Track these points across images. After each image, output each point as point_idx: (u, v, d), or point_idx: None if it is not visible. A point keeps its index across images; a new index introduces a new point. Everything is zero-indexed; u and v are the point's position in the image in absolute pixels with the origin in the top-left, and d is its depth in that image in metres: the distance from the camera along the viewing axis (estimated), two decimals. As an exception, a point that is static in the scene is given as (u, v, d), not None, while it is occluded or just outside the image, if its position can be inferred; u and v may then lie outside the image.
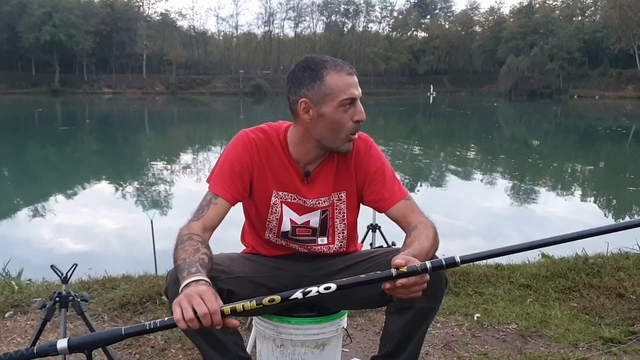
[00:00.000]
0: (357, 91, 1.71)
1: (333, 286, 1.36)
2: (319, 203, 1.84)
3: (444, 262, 1.38)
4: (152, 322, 1.33)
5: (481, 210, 9.02)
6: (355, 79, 1.72)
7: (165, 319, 1.36)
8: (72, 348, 1.30)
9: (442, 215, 7.81)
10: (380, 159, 1.85)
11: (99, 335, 1.34)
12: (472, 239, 6.97)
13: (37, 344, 2.10)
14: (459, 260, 1.37)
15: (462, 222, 7.98)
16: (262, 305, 1.34)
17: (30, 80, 71.23)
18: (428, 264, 1.38)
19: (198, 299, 1.34)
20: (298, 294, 1.36)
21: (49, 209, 8.84)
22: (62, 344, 1.29)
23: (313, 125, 1.73)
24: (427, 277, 1.42)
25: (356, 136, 1.76)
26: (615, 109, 43.76)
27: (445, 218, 7.74)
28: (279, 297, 1.35)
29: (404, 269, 1.38)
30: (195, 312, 1.32)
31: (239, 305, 1.34)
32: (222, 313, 1.33)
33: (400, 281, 1.38)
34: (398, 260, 1.39)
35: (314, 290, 1.36)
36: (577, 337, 2.79)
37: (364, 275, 1.40)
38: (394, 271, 1.38)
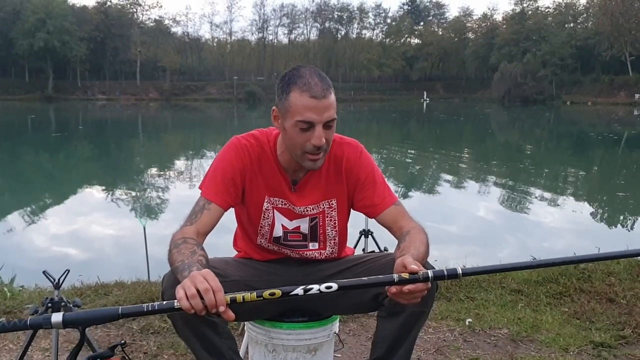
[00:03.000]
0: (318, 116, 1.64)
1: (334, 286, 1.37)
2: (307, 210, 1.86)
3: (445, 273, 1.41)
4: (150, 304, 1.33)
5: (474, 216, 9.05)
6: (323, 102, 1.63)
7: (164, 302, 1.35)
8: (66, 323, 1.28)
9: (435, 220, 7.84)
10: (370, 165, 1.87)
11: (95, 313, 1.32)
12: (464, 243, 6.99)
13: (29, 350, 2.10)
14: (460, 272, 1.40)
15: (455, 227, 8.00)
16: (262, 298, 1.34)
17: (24, 86, 71.02)
18: (430, 273, 1.41)
19: (200, 277, 1.35)
20: (299, 290, 1.37)
21: (42, 216, 8.81)
22: (56, 317, 1.27)
23: (281, 134, 1.76)
24: (429, 284, 1.45)
25: (317, 157, 1.71)
26: (608, 115, 44.02)
27: (438, 223, 7.77)
28: (280, 291, 1.36)
29: (406, 276, 1.40)
30: (198, 291, 1.32)
31: (239, 296, 1.35)
32: None
33: (408, 287, 1.40)
34: (414, 265, 1.42)
35: (315, 288, 1.37)
36: (568, 342, 2.81)
37: (365, 278, 1.43)
38: (396, 276, 1.41)
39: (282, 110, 1.70)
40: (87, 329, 1.38)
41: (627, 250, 1.58)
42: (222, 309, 1.33)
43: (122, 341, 1.49)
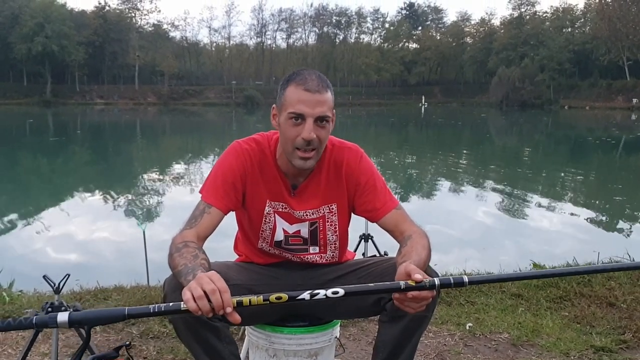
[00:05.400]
0: (309, 109, 1.66)
1: (341, 291, 1.37)
2: (307, 215, 1.86)
3: (452, 281, 1.41)
4: (156, 305, 1.32)
5: (473, 220, 9.04)
6: (316, 97, 1.66)
7: (171, 304, 1.35)
8: (72, 322, 1.28)
9: (434, 224, 7.84)
10: (370, 169, 1.87)
11: (101, 313, 1.31)
12: (464, 247, 6.98)
13: (28, 355, 2.09)
14: (467, 280, 1.41)
15: (454, 231, 7.99)
16: (268, 302, 1.34)
17: (22, 91, 70.98)
18: (437, 280, 1.41)
19: (207, 279, 1.36)
20: (305, 295, 1.37)
21: (40, 220, 8.78)
22: (62, 317, 1.27)
23: (279, 133, 1.78)
24: (435, 292, 1.45)
25: (307, 155, 1.71)
26: (606, 119, 44.09)
27: (437, 227, 7.76)
28: (287, 296, 1.36)
29: (413, 283, 1.40)
30: (205, 292, 1.32)
31: (245, 299, 1.35)
32: None
33: (412, 293, 1.40)
34: (418, 275, 1.41)
35: (321, 293, 1.37)
36: (568, 346, 2.81)
37: (372, 285, 1.43)
38: (402, 283, 1.40)
39: (279, 106, 1.74)
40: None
41: (633, 262, 1.60)
42: (229, 310, 1.33)
43: (127, 342, 1.48)
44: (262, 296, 1.35)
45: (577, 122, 42.98)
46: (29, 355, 2.12)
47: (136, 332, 2.90)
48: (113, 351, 1.40)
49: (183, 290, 1.36)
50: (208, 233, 1.73)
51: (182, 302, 1.33)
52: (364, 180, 1.84)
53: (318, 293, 1.37)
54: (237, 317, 1.35)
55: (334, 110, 1.78)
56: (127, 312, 1.30)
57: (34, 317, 1.26)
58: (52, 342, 2.12)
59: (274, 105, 1.77)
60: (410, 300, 1.43)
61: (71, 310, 2.10)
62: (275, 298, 1.35)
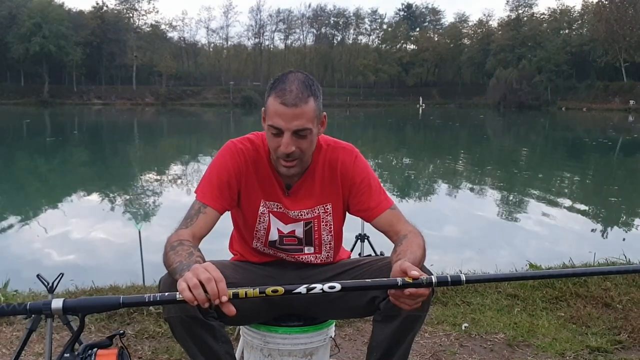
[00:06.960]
0: (285, 123, 1.65)
1: (337, 286, 1.37)
2: (301, 215, 1.85)
3: (449, 279, 1.41)
4: (152, 294, 1.32)
5: (470, 221, 9.05)
6: (293, 111, 1.64)
7: (166, 293, 1.35)
8: (66, 309, 1.28)
9: (431, 226, 7.83)
10: (365, 169, 1.87)
11: (96, 300, 1.31)
12: (461, 249, 6.98)
13: (22, 354, 2.08)
14: (464, 279, 1.40)
15: (451, 232, 8.00)
16: (264, 294, 1.34)
17: (19, 91, 70.88)
18: (434, 278, 1.40)
19: (202, 268, 1.36)
20: (302, 289, 1.37)
21: (37, 220, 8.77)
22: (56, 303, 1.27)
23: None
24: (430, 289, 1.45)
25: (289, 164, 1.72)
26: (603, 121, 44.17)
27: (434, 229, 7.76)
28: (283, 289, 1.36)
29: (410, 280, 1.40)
30: (200, 282, 1.32)
31: (241, 291, 1.35)
32: None
33: (409, 290, 1.40)
34: (415, 272, 1.41)
35: (318, 287, 1.37)
36: (564, 347, 2.81)
37: (369, 280, 1.43)
38: (399, 280, 1.40)
39: (266, 111, 1.73)
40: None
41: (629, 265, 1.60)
42: (224, 299, 1.33)
43: (121, 331, 1.47)
44: (258, 289, 1.35)
45: (574, 124, 43.04)
46: (22, 354, 2.11)
47: (131, 332, 2.89)
48: (106, 339, 1.39)
49: (178, 281, 1.36)
50: (204, 233, 1.73)
51: (177, 293, 1.33)
52: (359, 180, 1.84)
53: (315, 287, 1.37)
54: (232, 309, 1.35)
55: (324, 113, 1.77)
56: (122, 301, 1.30)
57: (28, 303, 1.27)
58: (46, 342, 2.10)
59: (263, 108, 1.76)
60: (407, 297, 1.43)
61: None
62: (272, 291, 1.35)
